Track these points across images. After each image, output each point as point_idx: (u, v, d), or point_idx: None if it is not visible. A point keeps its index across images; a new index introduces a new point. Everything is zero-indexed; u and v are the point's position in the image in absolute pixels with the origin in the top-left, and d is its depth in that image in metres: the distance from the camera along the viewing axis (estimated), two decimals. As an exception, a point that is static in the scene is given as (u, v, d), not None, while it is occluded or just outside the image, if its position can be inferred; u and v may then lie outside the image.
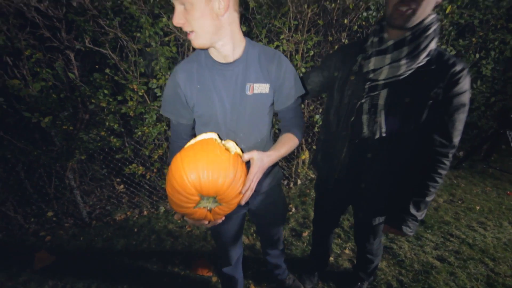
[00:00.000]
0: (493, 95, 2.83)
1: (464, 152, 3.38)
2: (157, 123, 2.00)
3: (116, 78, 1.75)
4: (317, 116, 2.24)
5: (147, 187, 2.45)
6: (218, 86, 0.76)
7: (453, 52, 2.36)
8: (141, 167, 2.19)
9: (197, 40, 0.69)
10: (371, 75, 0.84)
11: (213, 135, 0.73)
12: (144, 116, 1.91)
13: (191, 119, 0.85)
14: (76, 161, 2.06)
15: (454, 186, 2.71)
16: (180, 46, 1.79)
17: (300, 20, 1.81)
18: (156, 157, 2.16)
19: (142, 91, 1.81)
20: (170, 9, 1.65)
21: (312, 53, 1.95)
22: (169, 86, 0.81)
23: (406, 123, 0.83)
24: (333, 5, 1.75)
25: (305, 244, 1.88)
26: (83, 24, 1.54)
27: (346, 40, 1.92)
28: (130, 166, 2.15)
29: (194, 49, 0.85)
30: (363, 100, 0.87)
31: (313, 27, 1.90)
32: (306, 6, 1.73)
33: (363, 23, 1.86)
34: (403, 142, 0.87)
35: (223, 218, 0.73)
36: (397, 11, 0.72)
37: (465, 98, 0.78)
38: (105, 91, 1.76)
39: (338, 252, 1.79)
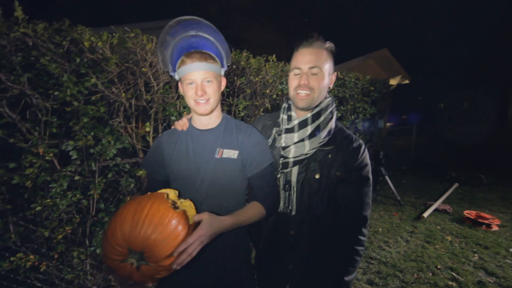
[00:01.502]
0: (367, 142, 3.98)
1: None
2: (68, 192, 1.62)
3: (11, 140, 1.39)
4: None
5: (38, 284, 1.74)
6: (190, 148, 0.89)
7: (339, 114, 3.29)
8: (31, 256, 1.60)
9: (210, 106, 0.85)
10: (282, 152, 0.91)
11: (168, 191, 0.74)
12: (50, 186, 1.52)
13: (164, 177, 0.94)
14: None
15: (361, 214, 3.37)
16: (109, 106, 1.68)
17: (230, 88, 2.12)
18: (60, 237, 1.65)
19: (51, 154, 1.49)
20: (99, 70, 1.59)
21: (242, 114, 2.25)
22: (153, 146, 0.97)
23: (320, 199, 0.86)
24: (256, 78, 2.18)
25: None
26: (-30, 78, 1.24)
27: (269, 105, 2.36)
28: (12, 258, 1.53)
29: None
30: (278, 175, 0.91)
31: (242, 94, 2.25)
32: (235, 78, 2.08)
33: (279, 93, 2.38)
34: (322, 219, 0.88)
35: (153, 284, 0.66)
36: (297, 95, 0.85)
37: (367, 171, 0.84)
38: (-11, 158, 1.34)
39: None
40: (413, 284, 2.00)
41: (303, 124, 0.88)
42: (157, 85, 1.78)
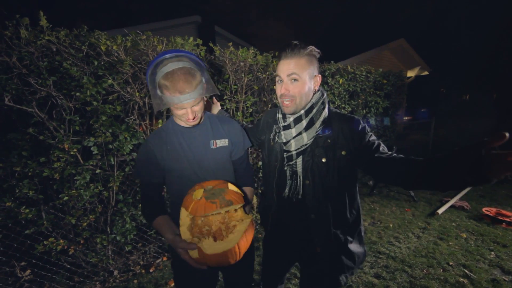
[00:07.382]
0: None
1: (372, 181, 4.27)
2: (91, 184, 1.78)
3: (41, 137, 1.55)
4: (260, 163, 2.50)
5: (68, 266, 1.95)
6: (184, 145, 0.95)
7: (349, 109, 3.23)
8: (61, 241, 1.78)
9: (198, 119, 0.92)
10: (284, 147, 0.96)
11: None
12: (75, 178, 1.68)
13: (161, 178, 0.98)
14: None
15: (372, 210, 3.33)
16: (125, 105, 1.80)
17: (239, 85, 2.17)
18: (85, 224, 1.83)
19: (75, 150, 1.64)
20: (115, 71, 1.71)
21: (251, 110, 2.30)
22: (142, 152, 0.95)
23: (331, 180, 0.92)
24: (263, 75, 2.21)
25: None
26: (5, 83, 1.39)
27: (277, 101, 2.39)
28: (45, 242, 1.72)
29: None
30: (285, 168, 0.97)
31: (250, 90, 2.29)
32: (243, 75, 2.12)
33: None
34: (336, 198, 0.94)
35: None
36: (282, 103, 0.90)
37: (374, 137, 0.90)
38: (24, 153, 1.51)
39: (297, 293, 1.83)
40: (421, 279, 1.98)
41: (298, 120, 0.93)
42: (168, 84, 1.87)
